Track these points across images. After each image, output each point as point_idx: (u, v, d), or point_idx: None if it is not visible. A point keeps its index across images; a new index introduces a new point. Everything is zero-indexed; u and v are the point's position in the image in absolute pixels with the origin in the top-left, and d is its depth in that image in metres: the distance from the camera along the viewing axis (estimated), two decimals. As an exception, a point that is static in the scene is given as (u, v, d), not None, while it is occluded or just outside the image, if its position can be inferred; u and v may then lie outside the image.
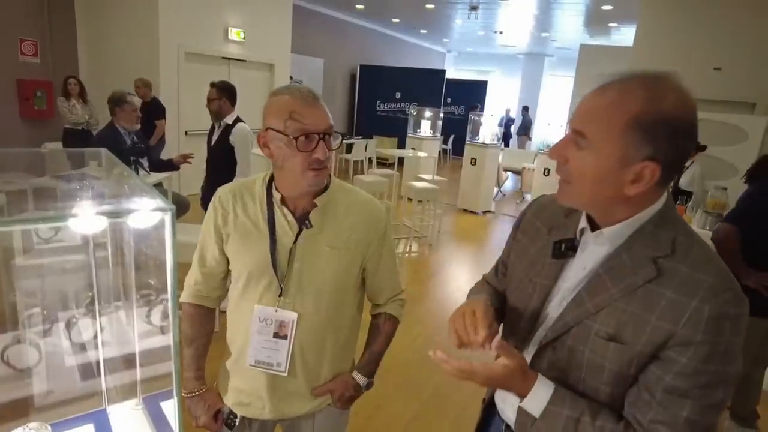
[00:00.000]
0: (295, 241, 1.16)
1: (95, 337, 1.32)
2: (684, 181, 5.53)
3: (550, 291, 0.93)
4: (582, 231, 0.90)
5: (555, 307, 0.92)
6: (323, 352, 1.24)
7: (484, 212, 7.88)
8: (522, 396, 0.86)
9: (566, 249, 0.91)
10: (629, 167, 0.77)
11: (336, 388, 1.27)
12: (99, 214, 0.62)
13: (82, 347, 1.32)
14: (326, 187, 1.20)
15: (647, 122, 0.75)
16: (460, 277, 5.20)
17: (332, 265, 1.18)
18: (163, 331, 1.38)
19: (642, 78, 0.79)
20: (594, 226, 0.89)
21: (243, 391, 1.26)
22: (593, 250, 0.88)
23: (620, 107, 0.77)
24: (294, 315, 1.18)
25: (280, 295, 1.17)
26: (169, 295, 0.72)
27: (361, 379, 1.31)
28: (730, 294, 0.76)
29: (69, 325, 1.36)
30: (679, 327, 0.75)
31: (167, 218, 0.67)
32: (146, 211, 0.66)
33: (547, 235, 0.97)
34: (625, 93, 0.78)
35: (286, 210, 1.17)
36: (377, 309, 1.36)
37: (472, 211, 7.80)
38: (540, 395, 0.85)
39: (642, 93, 0.77)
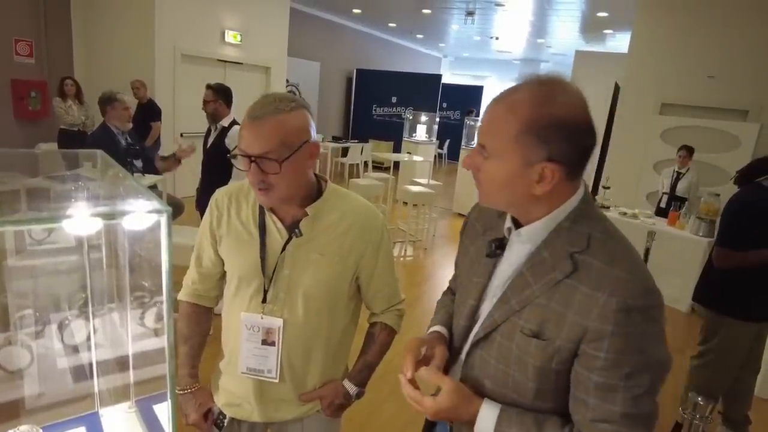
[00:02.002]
0: (284, 249, 1.15)
1: (88, 339, 1.31)
2: (681, 188, 5.58)
3: (484, 289, 0.97)
4: (509, 230, 0.95)
5: (487, 305, 0.95)
6: (311, 359, 1.23)
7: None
8: (471, 422, 0.89)
9: (496, 248, 0.95)
10: (531, 169, 0.82)
11: (325, 395, 1.26)
12: (94, 215, 0.62)
13: (75, 349, 1.30)
14: (320, 194, 1.18)
15: (539, 127, 0.80)
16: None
17: (323, 273, 1.17)
18: (156, 333, 1.37)
19: (530, 85, 0.84)
20: (518, 225, 0.93)
21: (233, 393, 1.26)
22: (518, 249, 0.92)
23: (511, 117, 0.82)
24: (279, 321, 1.17)
25: (263, 302, 1.17)
26: (164, 298, 0.71)
27: (351, 388, 1.28)
28: (639, 286, 0.78)
29: (61, 327, 1.35)
30: (590, 321, 0.78)
31: (163, 220, 0.67)
32: (142, 213, 0.66)
33: (483, 235, 1.02)
34: (514, 103, 0.83)
35: (275, 218, 1.17)
36: (373, 318, 1.34)
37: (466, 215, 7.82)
38: (487, 417, 0.88)
39: (530, 100, 0.81)
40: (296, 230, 1.15)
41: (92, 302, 1.34)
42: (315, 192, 1.19)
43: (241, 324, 1.18)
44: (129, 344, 1.26)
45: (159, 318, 1.41)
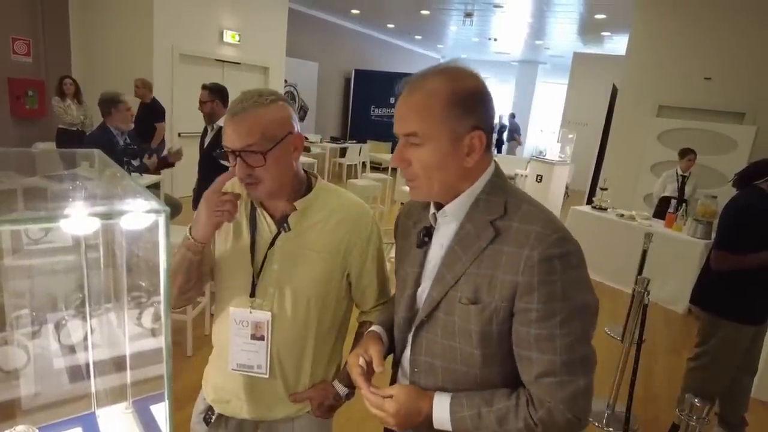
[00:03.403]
0: (272, 244, 1.17)
1: (85, 339, 1.30)
2: (688, 191, 5.59)
3: (418, 277, 1.01)
4: (434, 216, 1.00)
5: (424, 291, 1.00)
6: (302, 356, 1.23)
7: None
8: (428, 418, 0.93)
9: (424, 236, 1.01)
10: (461, 141, 0.88)
11: (315, 396, 1.25)
12: (92, 215, 0.62)
13: (72, 349, 1.30)
14: (309, 190, 1.20)
15: (460, 98, 0.88)
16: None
17: (312, 269, 1.18)
18: (153, 333, 1.36)
19: (434, 71, 0.91)
20: (440, 208, 0.98)
21: (222, 388, 1.26)
22: (445, 230, 0.97)
23: (433, 96, 0.88)
24: (268, 315, 1.17)
25: (251, 296, 1.18)
26: (161, 297, 0.71)
27: (341, 389, 1.26)
28: (554, 237, 0.84)
29: (58, 327, 1.34)
30: (518, 276, 0.84)
31: (161, 220, 0.67)
32: (140, 213, 0.66)
33: (413, 228, 1.07)
34: (431, 85, 0.89)
35: (265, 213, 1.19)
36: (363, 316, 1.33)
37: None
38: (441, 407, 0.92)
39: (444, 79, 0.89)
40: (284, 225, 1.16)
41: (89, 302, 1.33)
42: (304, 188, 1.21)
43: (230, 318, 1.19)
44: (126, 344, 1.26)
45: (156, 318, 1.40)
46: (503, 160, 10.91)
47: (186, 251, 1.12)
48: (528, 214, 0.89)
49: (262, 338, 1.18)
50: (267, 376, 1.20)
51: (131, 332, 1.27)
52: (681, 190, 5.62)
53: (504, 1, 8.31)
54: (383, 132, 12.08)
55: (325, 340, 1.26)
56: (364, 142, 10.78)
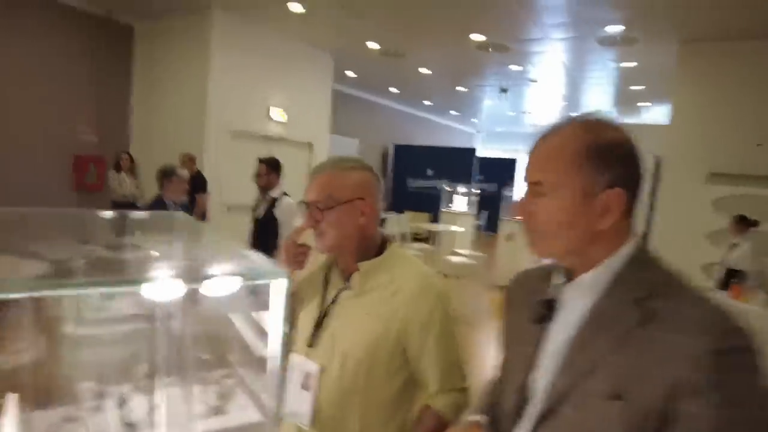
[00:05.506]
0: (335, 300, 1.21)
1: (150, 415, 1.22)
2: (734, 259, 5.27)
3: (533, 359, 0.85)
4: (557, 288, 0.86)
5: (541, 377, 0.84)
6: (347, 419, 1.17)
7: (522, 289, 7.60)
8: None
9: (546, 309, 0.86)
10: (594, 198, 0.78)
11: None
12: (232, 274, 0.56)
13: (134, 427, 1.21)
14: (380, 252, 1.23)
15: (596, 151, 0.78)
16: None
17: (363, 333, 1.16)
18: (219, 411, 1.27)
19: (574, 120, 0.83)
20: (569, 280, 0.85)
21: None
22: (573, 306, 0.83)
23: (567, 146, 0.79)
24: (315, 367, 1.19)
25: (309, 346, 1.22)
26: (277, 362, 0.64)
27: None
28: (729, 325, 0.68)
29: (122, 402, 1.27)
30: (679, 370, 0.67)
31: (281, 284, 0.61)
32: (263, 272, 0.60)
33: (527, 302, 0.92)
34: (566, 134, 0.81)
35: (337, 268, 1.26)
36: (426, 399, 1.23)
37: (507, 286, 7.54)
38: None
39: (582, 128, 0.81)
40: (347, 283, 1.21)
41: (158, 375, 1.26)
42: (376, 251, 1.24)
43: (290, 364, 1.23)
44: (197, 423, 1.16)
45: (222, 396, 1.32)
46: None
47: None
48: (687, 295, 0.75)
49: (309, 389, 1.20)
50: (308, 427, 1.19)
51: (198, 410, 1.18)
52: (728, 258, 5.33)
53: (538, 76, 8.54)
54: (421, 203, 12.19)
55: (378, 410, 1.19)
56: (402, 212, 10.85)
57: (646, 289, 0.75)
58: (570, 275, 0.85)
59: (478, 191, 10.21)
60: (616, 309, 0.76)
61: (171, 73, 7.04)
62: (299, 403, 1.19)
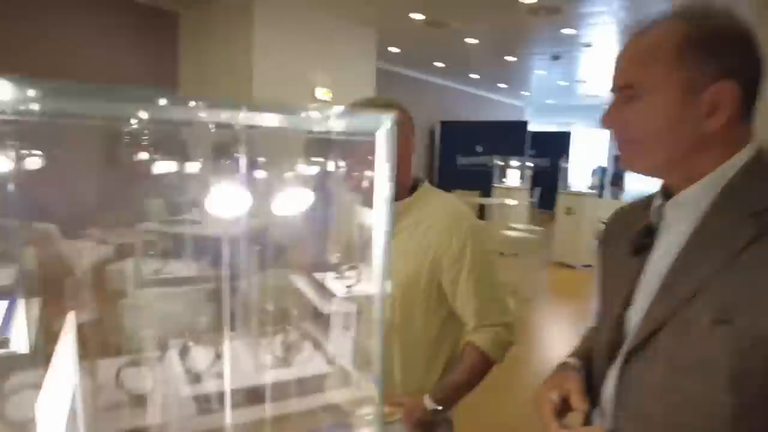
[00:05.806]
0: None
1: (215, 366, 1.18)
2: None
3: (631, 293, 0.77)
4: (659, 209, 0.76)
5: (640, 308, 0.75)
6: (390, 355, 1.19)
7: (584, 266, 7.23)
8: None
9: (645, 238, 0.77)
10: (698, 96, 0.66)
11: (405, 402, 1.19)
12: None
13: (199, 377, 1.18)
14: (413, 189, 1.25)
15: (699, 40, 0.66)
16: (564, 341, 4.68)
17: (397, 272, 1.15)
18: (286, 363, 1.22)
19: (674, 10, 0.71)
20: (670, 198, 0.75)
21: None
22: (677, 228, 0.73)
23: (663, 40, 0.68)
24: (354, 307, 1.17)
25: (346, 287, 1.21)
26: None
27: (429, 404, 1.19)
28: None
29: (184, 352, 1.23)
30: None
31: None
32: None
33: (626, 233, 0.83)
34: (662, 28, 0.70)
35: None
36: (466, 335, 1.22)
37: (569, 265, 7.21)
38: None
39: (682, 19, 0.69)
40: None
41: (225, 328, 1.22)
42: (409, 192, 1.26)
43: (331, 307, 1.21)
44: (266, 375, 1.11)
45: (288, 347, 1.26)
46: (604, 205, 10.05)
47: None
48: None
49: (349, 329, 1.20)
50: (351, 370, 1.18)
51: (266, 361, 1.15)
52: None
53: (593, 39, 8.05)
54: (470, 180, 11.90)
55: (419, 349, 1.22)
56: (450, 191, 10.64)
57: (765, 201, 0.65)
58: (672, 195, 0.74)
59: (532, 165, 9.82)
60: (727, 225, 0.67)
61: (217, 59, 7.13)
62: (342, 343, 1.20)
